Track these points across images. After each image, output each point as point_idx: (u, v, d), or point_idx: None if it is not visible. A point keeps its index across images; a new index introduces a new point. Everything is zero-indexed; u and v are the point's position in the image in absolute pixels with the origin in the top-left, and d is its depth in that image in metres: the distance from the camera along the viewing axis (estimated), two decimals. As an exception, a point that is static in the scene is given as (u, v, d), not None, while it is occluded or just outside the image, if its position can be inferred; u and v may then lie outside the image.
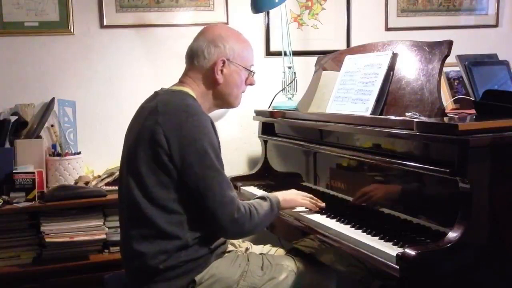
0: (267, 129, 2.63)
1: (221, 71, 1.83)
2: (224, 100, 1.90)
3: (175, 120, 1.69)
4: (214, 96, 1.88)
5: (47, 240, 2.37)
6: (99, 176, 2.62)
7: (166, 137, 1.66)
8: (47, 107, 2.64)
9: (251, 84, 1.94)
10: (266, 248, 2.11)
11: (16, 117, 2.57)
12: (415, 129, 1.61)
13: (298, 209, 2.05)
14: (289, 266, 1.90)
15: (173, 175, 1.68)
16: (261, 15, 2.93)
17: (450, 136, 1.49)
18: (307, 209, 2.04)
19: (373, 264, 1.56)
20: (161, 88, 1.86)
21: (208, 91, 1.86)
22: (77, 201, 2.42)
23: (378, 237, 1.66)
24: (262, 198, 1.88)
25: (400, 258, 1.44)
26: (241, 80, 1.88)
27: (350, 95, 2.07)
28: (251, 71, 1.91)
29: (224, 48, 1.82)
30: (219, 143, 1.77)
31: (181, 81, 1.88)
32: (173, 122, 1.68)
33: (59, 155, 2.60)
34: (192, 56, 1.85)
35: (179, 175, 1.67)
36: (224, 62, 1.82)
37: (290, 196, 2.00)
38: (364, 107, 1.96)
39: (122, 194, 1.82)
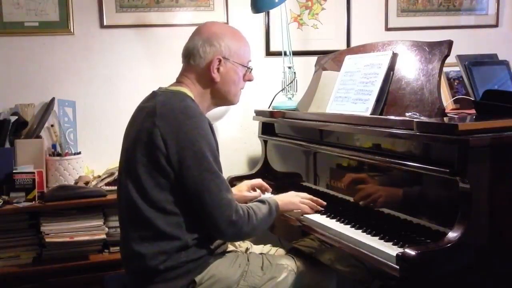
0: (267, 129, 2.63)
1: (218, 69, 1.82)
2: (222, 98, 1.89)
3: (173, 122, 1.68)
4: (212, 95, 1.87)
5: (47, 240, 2.37)
6: (99, 176, 2.62)
7: (164, 140, 1.66)
8: (47, 107, 2.64)
9: (249, 80, 1.93)
10: (266, 248, 2.11)
11: (16, 117, 2.57)
12: (415, 129, 1.61)
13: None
14: (289, 266, 1.90)
15: (171, 177, 1.67)
16: (261, 15, 2.93)
17: (450, 136, 1.49)
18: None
19: (373, 264, 1.56)
20: (159, 88, 1.86)
21: (205, 90, 1.85)
22: (77, 201, 2.42)
23: (378, 237, 1.66)
24: (261, 201, 1.88)
25: (400, 258, 1.44)
26: (238, 78, 1.87)
27: (350, 95, 2.07)
28: (249, 68, 1.90)
29: (220, 46, 1.81)
30: (217, 145, 1.76)
31: (178, 81, 1.87)
32: (171, 125, 1.68)
33: (59, 155, 2.60)
34: (188, 55, 1.84)
35: (177, 178, 1.67)
36: (220, 61, 1.81)
37: (288, 199, 1.99)
38: (364, 107, 1.96)
39: (121, 196, 1.81)
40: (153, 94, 1.82)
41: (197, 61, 1.82)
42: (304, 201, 2.01)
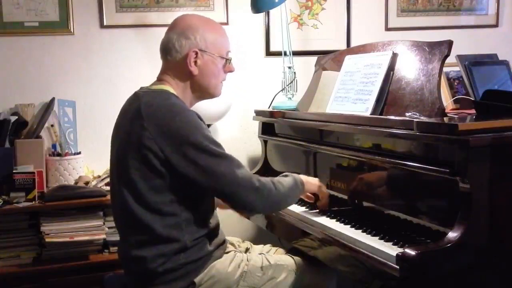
0: (267, 129, 2.63)
1: (195, 62, 1.78)
2: (203, 92, 1.85)
3: (162, 122, 1.65)
4: (192, 89, 1.83)
5: (47, 240, 2.37)
6: (99, 176, 2.62)
7: (155, 141, 1.63)
8: (47, 107, 2.64)
9: (230, 71, 1.89)
10: (266, 248, 2.11)
11: (16, 117, 2.57)
12: (415, 129, 1.61)
13: (299, 209, 2.05)
14: (289, 266, 1.90)
15: (166, 177, 1.65)
16: (261, 15, 2.93)
17: (450, 136, 1.49)
18: (307, 209, 2.04)
19: (373, 264, 1.56)
20: (141, 88, 1.83)
21: (185, 84, 1.82)
22: (77, 201, 2.42)
23: (378, 237, 1.66)
24: (283, 175, 1.88)
25: (400, 258, 1.43)
26: (217, 69, 1.83)
27: (350, 95, 2.07)
28: (228, 59, 1.86)
29: (195, 39, 1.78)
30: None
31: (159, 79, 1.84)
32: (160, 125, 1.65)
33: (59, 155, 2.60)
34: (165, 51, 1.81)
35: (178, 177, 1.65)
36: (196, 53, 1.78)
37: (311, 180, 1.97)
38: (364, 107, 1.96)
39: (116, 201, 1.79)
40: (136, 95, 1.78)
41: (173, 56, 1.79)
42: (324, 192, 1.99)
